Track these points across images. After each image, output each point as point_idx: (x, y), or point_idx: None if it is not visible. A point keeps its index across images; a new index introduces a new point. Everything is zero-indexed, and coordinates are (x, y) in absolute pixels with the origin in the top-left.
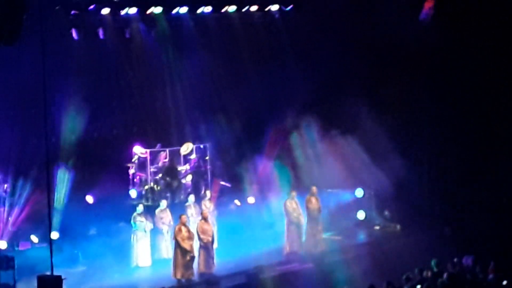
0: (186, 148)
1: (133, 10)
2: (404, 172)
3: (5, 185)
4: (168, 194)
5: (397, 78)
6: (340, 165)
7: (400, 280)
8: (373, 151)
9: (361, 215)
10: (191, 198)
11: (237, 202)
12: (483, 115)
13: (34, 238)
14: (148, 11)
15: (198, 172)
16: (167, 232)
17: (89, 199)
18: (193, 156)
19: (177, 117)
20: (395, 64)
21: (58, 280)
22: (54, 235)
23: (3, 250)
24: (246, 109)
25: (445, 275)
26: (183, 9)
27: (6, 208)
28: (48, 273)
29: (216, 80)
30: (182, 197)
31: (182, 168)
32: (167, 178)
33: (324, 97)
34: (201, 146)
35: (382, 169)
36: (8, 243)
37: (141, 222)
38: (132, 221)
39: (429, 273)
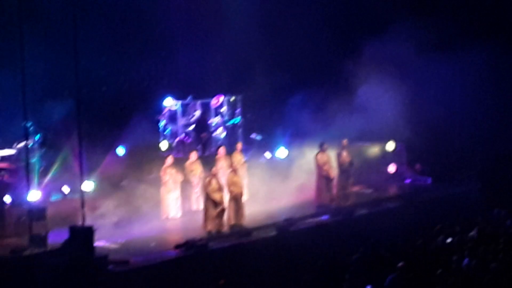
0: (217, 100)
1: None
2: (436, 126)
3: (37, 136)
4: (199, 146)
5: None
6: (372, 118)
7: (430, 233)
8: (405, 104)
9: (392, 168)
10: (222, 150)
11: (267, 154)
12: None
13: (65, 189)
14: None
15: (228, 125)
16: (197, 184)
17: (120, 150)
18: (224, 109)
19: (209, 69)
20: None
21: (90, 230)
22: (87, 186)
23: (35, 201)
24: (279, 62)
25: (475, 229)
26: None
27: (38, 160)
28: (80, 223)
29: (251, 30)
30: (212, 149)
31: (213, 120)
32: (198, 131)
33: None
34: (232, 98)
35: (414, 122)
36: (41, 194)
37: (171, 174)
38: (162, 173)
39: (460, 227)
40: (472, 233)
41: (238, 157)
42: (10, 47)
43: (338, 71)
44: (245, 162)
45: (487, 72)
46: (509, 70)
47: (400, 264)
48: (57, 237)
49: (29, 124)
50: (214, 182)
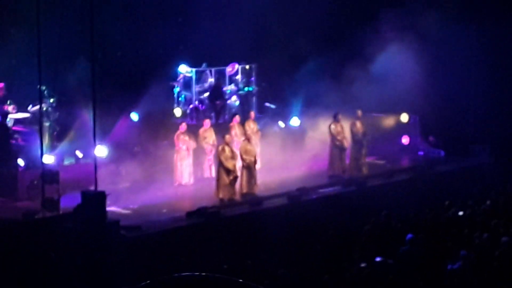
0: (232, 68)
1: None
2: (451, 99)
3: (51, 99)
4: (213, 114)
5: None
6: (386, 90)
7: (443, 206)
8: (421, 76)
9: (405, 140)
10: (236, 118)
11: (281, 123)
12: None
13: (79, 154)
14: None
15: (242, 93)
16: (211, 151)
17: (134, 116)
18: (238, 77)
19: (224, 37)
20: None
21: (102, 195)
22: (100, 151)
23: (48, 164)
24: (295, 30)
25: (488, 202)
26: None
27: (52, 123)
28: (92, 188)
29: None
30: (226, 117)
31: (227, 88)
32: (212, 98)
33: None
34: (247, 66)
35: (429, 95)
36: (55, 158)
37: (184, 141)
38: (175, 140)
39: (472, 200)
40: (484, 207)
41: (252, 126)
42: (25, 9)
43: (355, 39)
44: (258, 130)
45: (506, 47)
46: None
47: (409, 236)
48: (69, 202)
49: (43, 88)
50: (227, 150)
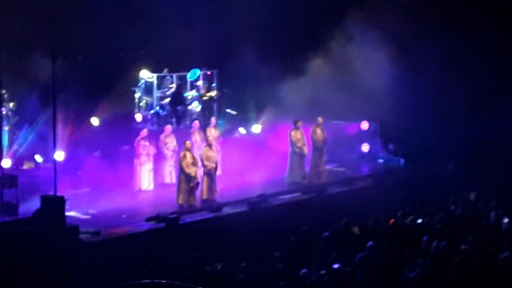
0: (194, 74)
1: None
2: (409, 106)
3: (11, 104)
4: (174, 119)
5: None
6: (347, 97)
7: (401, 213)
8: (380, 84)
9: (365, 147)
10: (196, 124)
11: (242, 130)
12: (489, 49)
13: (38, 158)
14: None
15: (205, 98)
16: (171, 157)
17: (94, 121)
18: (200, 83)
19: (185, 42)
20: None
21: (61, 200)
22: (59, 155)
23: (7, 168)
24: (257, 36)
25: (446, 210)
26: None
27: (11, 127)
28: (52, 193)
29: (230, 3)
30: (187, 123)
31: (189, 94)
32: (173, 104)
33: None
34: (208, 72)
35: (388, 103)
36: (12, 162)
37: (145, 146)
38: (136, 145)
39: (431, 208)
40: (442, 214)
41: (213, 132)
42: None
43: (318, 46)
44: (219, 136)
45: (472, 54)
46: (491, 53)
47: (369, 243)
48: (28, 206)
49: (3, 92)
50: (188, 155)
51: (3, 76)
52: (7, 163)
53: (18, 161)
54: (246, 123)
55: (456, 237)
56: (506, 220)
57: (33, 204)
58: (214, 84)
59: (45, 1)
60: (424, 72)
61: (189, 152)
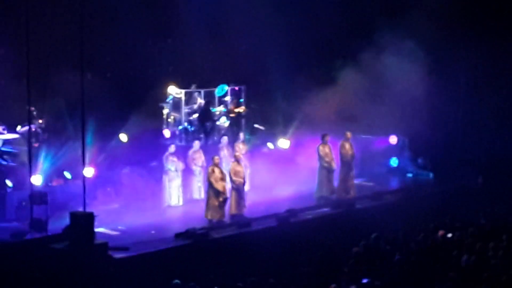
0: (221, 89)
1: None
2: (438, 120)
3: (40, 121)
4: (202, 135)
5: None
6: (375, 110)
7: (431, 228)
8: (409, 97)
9: (394, 162)
10: (225, 139)
11: (270, 145)
12: None
13: (67, 174)
14: None
15: (232, 114)
16: (200, 173)
17: (123, 137)
18: (228, 98)
19: (213, 58)
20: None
21: (90, 217)
22: (88, 172)
23: (37, 185)
24: (286, 52)
25: (476, 224)
26: None
27: (41, 144)
28: (81, 209)
29: (257, 20)
30: (215, 138)
31: (217, 109)
32: (202, 119)
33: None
34: (236, 88)
35: (417, 116)
36: (42, 179)
37: (173, 162)
38: (164, 161)
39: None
40: (472, 229)
41: (241, 147)
42: (14, 30)
43: (345, 61)
44: (247, 152)
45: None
46: None
47: (397, 257)
48: (58, 223)
49: (32, 108)
50: (217, 171)
51: (32, 93)
52: (38, 180)
53: (47, 178)
54: (274, 138)
55: (486, 252)
56: None
57: (63, 221)
58: (242, 100)
59: (73, 18)
60: (454, 86)
61: (217, 167)
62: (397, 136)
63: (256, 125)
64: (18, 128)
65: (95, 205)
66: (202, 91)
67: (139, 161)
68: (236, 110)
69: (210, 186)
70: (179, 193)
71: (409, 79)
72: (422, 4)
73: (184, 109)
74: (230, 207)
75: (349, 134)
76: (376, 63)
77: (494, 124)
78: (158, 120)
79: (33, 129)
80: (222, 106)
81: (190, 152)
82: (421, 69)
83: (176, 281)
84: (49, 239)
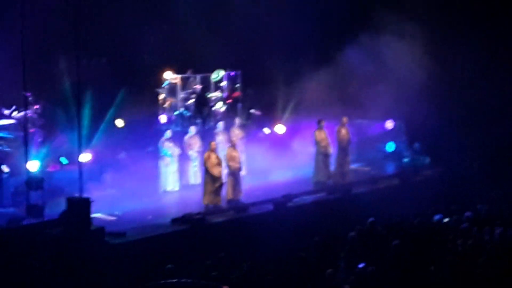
0: (217, 75)
1: None
2: (435, 105)
3: (36, 106)
4: (198, 121)
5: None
6: (372, 95)
7: (427, 212)
8: (405, 84)
9: (390, 147)
10: (221, 125)
11: (266, 130)
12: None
13: (63, 160)
14: None
15: (228, 99)
16: (196, 158)
17: (119, 123)
18: (224, 83)
19: (209, 43)
20: None
21: (87, 202)
22: (85, 157)
23: (33, 171)
24: (281, 37)
25: (472, 209)
26: None
27: (37, 129)
28: (77, 195)
29: (253, 5)
30: (211, 123)
31: (213, 95)
32: (198, 105)
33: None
34: (232, 73)
35: (413, 102)
36: (38, 164)
37: (170, 147)
38: (160, 146)
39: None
40: (468, 214)
41: (237, 132)
42: (10, 16)
43: (342, 45)
44: (243, 137)
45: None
46: None
47: (395, 242)
48: (54, 208)
49: (28, 94)
50: (213, 156)
51: (28, 78)
52: (33, 165)
53: (44, 163)
54: (270, 123)
55: (482, 236)
56: None
57: (59, 206)
58: (238, 85)
59: (68, 4)
60: (451, 71)
61: (213, 153)
62: (394, 121)
63: (252, 110)
64: (14, 113)
65: (92, 191)
66: (198, 76)
67: (135, 146)
68: (233, 96)
69: (206, 172)
70: (175, 179)
71: (406, 63)
72: None
73: (180, 95)
74: (226, 192)
75: (345, 119)
76: (374, 46)
77: (491, 109)
78: (154, 105)
79: (29, 115)
80: (218, 91)
81: (186, 137)
82: (419, 52)
83: (169, 266)
84: (45, 225)
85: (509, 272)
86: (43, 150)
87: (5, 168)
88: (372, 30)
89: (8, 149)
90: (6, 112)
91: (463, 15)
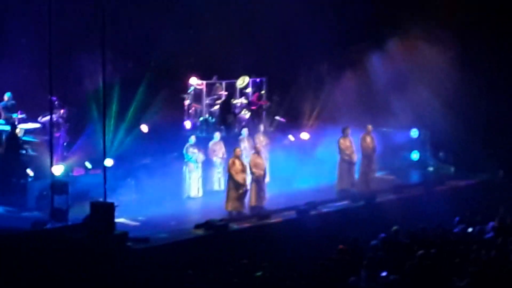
0: (242, 81)
1: None
2: (460, 114)
3: (61, 111)
4: (222, 127)
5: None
6: (397, 104)
7: (451, 222)
8: (432, 92)
9: (415, 155)
10: (245, 131)
11: (291, 137)
12: None
13: (88, 165)
14: None
15: (253, 106)
16: (220, 164)
17: (144, 128)
18: (249, 90)
19: (235, 50)
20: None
21: (111, 207)
22: (109, 162)
23: (58, 175)
24: (307, 44)
25: (497, 220)
26: None
27: (62, 134)
28: (101, 199)
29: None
30: (236, 130)
31: (238, 101)
32: (222, 111)
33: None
34: (258, 79)
35: (440, 110)
36: (63, 169)
37: (194, 153)
38: (184, 152)
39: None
40: (493, 223)
41: (262, 139)
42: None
43: (367, 53)
44: (268, 144)
45: None
46: None
47: (419, 252)
48: (78, 212)
49: (54, 98)
50: (237, 163)
51: (54, 83)
52: (59, 169)
53: (68, 168)
54: (295, 130)
55: (506, 246)
56: None
57: (83, 211)
58: (263, 92)
59: (96, 6)
60: (477, 79)
61: (238, 159)
62: (419, 129)
63: (277, 117)
64: (40, 117)
65: (116, 196)
66: (223, 83)
67: (160, 152)
68: (260, 103)
69: (230, 178)
70: (199, 185)
71: (434, 71)
72: None
73: (205, 101)
74: (250, 199)
75: (370, 127)
76: (401, 53)
77: None
78: (179, 111)
79: (54, 119)
80: (243, 97)
81: (211, 143)
82: (448, 60)
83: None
84: (69, 229)
85: None
86: (68, 155)
87: (30, 172)
88: (399, 36)
89: (33, 153)
90: (40, 118)
91: (493, 24)
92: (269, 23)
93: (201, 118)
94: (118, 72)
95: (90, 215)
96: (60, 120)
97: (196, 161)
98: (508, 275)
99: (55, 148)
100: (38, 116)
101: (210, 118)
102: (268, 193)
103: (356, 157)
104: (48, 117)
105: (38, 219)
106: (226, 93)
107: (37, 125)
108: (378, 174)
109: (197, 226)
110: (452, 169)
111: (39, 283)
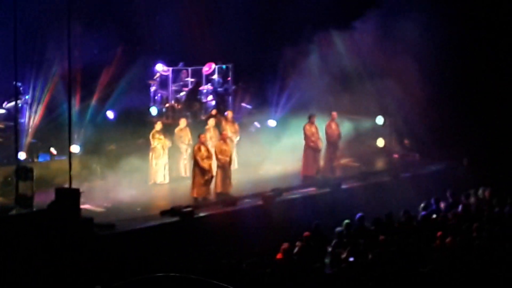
0: (209, 67)
1: None
2: (425, 101)
3: (26, 96)
4: (188, 113)
5: None
6: (362, 91)
7: (416, 208)
8: (396, 79)
9: (380, 142)
10: (212, 121)
11: (257, 124)
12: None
13: (53, 151)
14: None
15: (219, 93)
16: (186, 150)
17: (110, 114)
18: (215, 76)
19: (201, 36)
20: None
21: (76, 193)
22: (74, 148)
23: (22, 160)
24: (272, 30)
25: (460, 206)
26: None
27: (27, 120)
28: (66, 185)
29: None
30: (202, 116)
31: (204, 88)
32: (189, 98)
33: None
34: (224, 66)
35: (404, 97)
36: (27, 154)
37: (160, 140)
38: (150, 138)
39: (444, 204)
40: (456, 210)
41: (228, 126)
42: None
43: (332, 40)
44: (236, 131)
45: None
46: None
47: (381, 237)
48: (43, 199)
49: (19, 84)
50: (203, 149)
51: (19, 68)
52: (24, 155)
53: (33, 154)
54: (261, 117)
55: (470, 233)
56: None
57: (48, 197)
58: (229, 78)
59: None
60: (441, 67)
61: (204, 145)
62: (384, 116)
63: (243, 104)
64: (4, 103)
65: (81, 182)
66: (190, 69)
67: (126, 138)
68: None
69: (196, 164)
70: (165, 171)
71: (398, 59)
72: None
73: (172, 87)
74: (216, 185)
75: (335, 114)
76: (363, 40)
77: (481, 105)
78: (145, 97)
79: (19, 105)
80: (209, 84)
81: (177, 130)
82: (411, 47)
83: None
84: (34, 215)
85: (497, 269)
86: (33, 140)
87: None
88: (365, 22)
89: None
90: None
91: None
92: (235, 8)
93: (167, 105)
94: (84, 58)
95: (55, 201)
96: (25, 105)
97: (162, 148)
98: (472, 261)
99: (20, 134)
100: (3, 102)
101: (176, 104)
102: (235, 180)
103: (322, 144)
104: (13, 103)
105: (3, 206)
106: (193, 80)
107: (1, 111)
108: (343, 161)
109: (163, 213)
110: (417, 156)
111: (4, 269)
